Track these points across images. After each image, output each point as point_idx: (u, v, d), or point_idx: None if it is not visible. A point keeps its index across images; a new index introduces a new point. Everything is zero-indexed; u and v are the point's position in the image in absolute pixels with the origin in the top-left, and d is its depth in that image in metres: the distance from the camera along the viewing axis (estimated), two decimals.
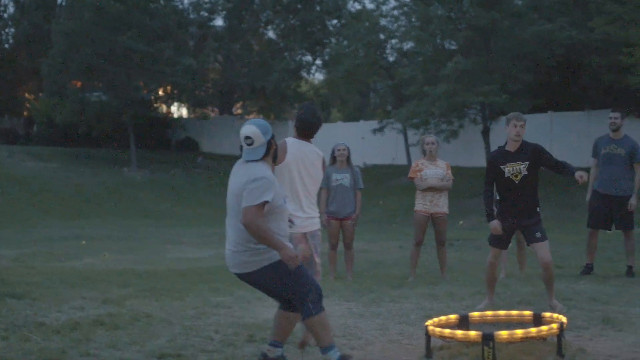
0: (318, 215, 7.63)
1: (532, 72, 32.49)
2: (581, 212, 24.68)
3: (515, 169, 8.98)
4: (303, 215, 7.40)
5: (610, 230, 12.90)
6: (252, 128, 6.60)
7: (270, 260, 6.51)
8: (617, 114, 12.45)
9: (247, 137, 6.59)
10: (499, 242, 9.27)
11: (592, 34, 30.50)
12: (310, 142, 7.54)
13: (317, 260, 7.57)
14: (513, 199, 9.08)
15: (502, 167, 9.04)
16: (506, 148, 9.12)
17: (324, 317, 6.56)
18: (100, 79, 42.59)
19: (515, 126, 8.98)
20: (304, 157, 7.42)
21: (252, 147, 6.60)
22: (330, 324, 6.73)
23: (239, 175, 6.61)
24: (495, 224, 9.09)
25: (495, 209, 9.24)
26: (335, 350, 6.55)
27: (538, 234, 9.01)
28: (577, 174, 8.67)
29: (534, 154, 8.99)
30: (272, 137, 6.67)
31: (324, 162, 7.64)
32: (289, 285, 6.56)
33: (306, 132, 7.50)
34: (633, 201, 12.28)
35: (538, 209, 9.13)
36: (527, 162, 8.96)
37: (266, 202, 6.39)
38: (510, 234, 9.29)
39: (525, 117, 9.12)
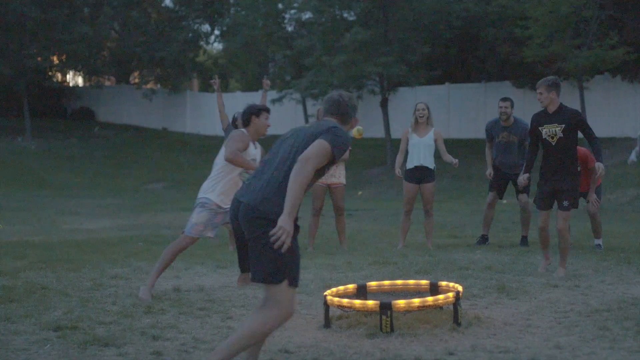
0: None
1: (430, 44, 32.81)
2: (479, 184, 25.14)
3: (551, 131, 9.33)
4: None
5: (502, 198, 13.19)
6: None
7: None
8: (508, 103, 12.66)
9: None
10: (543, 203, 9.57)
11: (488, 7, 30.97)
12: None
13: None
14: (551, 161, 9.45)
15: (540, 128, 9.43)
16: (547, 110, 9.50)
17: None
18: None
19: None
20: None
21: None
22: None
23: None
24: (524, 177, 9.87)
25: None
26: None
27: (565, 203, 9.36)
28: (597, 165, 9.26)
29: (571, 119, 9.31)
30: None
31: None
32: None
33: None
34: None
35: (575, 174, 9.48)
36: (563, 125, 9.29)
37: None
38: (551, 196, 9.50)
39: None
